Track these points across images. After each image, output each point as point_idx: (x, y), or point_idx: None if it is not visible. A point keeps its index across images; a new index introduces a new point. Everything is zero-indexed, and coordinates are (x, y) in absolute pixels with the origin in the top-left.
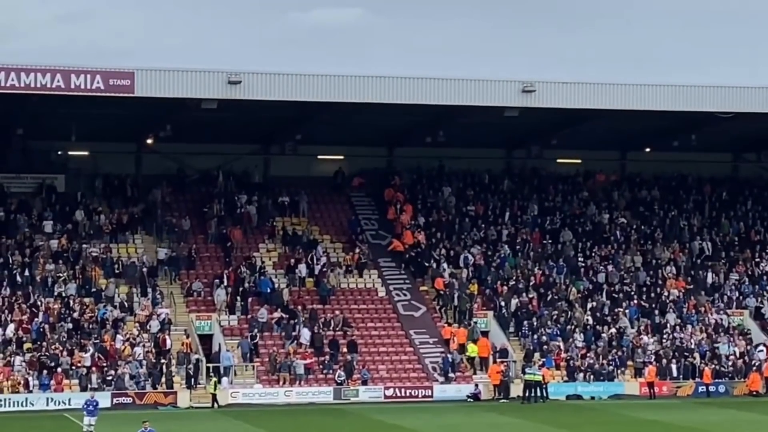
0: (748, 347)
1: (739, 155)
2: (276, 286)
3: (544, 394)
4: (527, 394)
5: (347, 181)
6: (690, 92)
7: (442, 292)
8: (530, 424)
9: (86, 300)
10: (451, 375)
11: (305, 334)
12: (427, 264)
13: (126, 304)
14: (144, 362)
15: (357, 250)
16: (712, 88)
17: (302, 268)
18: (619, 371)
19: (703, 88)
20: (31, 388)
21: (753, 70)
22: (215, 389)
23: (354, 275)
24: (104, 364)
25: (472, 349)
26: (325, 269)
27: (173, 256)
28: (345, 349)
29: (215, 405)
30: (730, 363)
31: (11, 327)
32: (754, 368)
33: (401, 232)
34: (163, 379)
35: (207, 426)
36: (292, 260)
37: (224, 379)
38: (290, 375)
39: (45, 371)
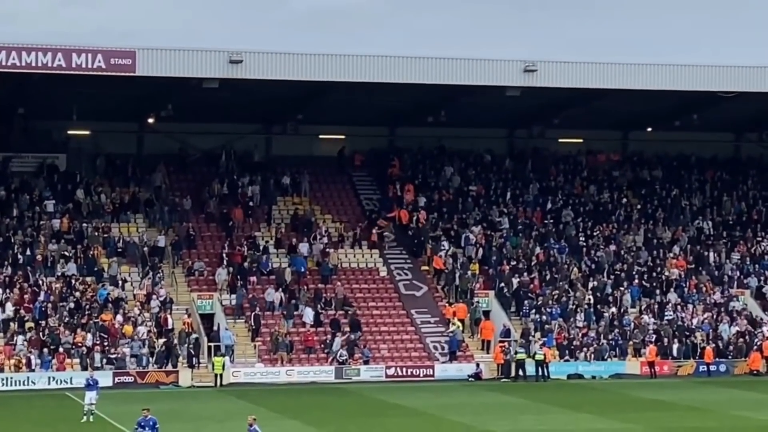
0: (749, 327)
1: (740, 135)
2: (277, 265)
3: (545, 373)
4: (517, 373)
5: (350, 160)
6: (692, 72)
7: (442, 272)
8: (531, 404)
9: (88, 279)
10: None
11: (308, 314)
12: (428, 244)
13: (127, 283)
14: (146, 341)
15: (376, 230)
16: (714, 67)
17: (304, 248)
18: (620, 351)
19: (705, 67)
20: (33, 367)
21: (755, 49)
22: (223, 368)
23: (364, 254)
24: (106, 344)
25: (454, 323)
26: (327, 249)
27: (175, 242)
28: (347, 329)
29: (218, 384)
30: (731, 342)
31: (13, 306)
32: (755, 347)
33: (397, 211)
34: (171, 359)
35: (209, 405)
36: (294, 239)
37: (225, 359)
38: (291, 354)
39: (46, 350)
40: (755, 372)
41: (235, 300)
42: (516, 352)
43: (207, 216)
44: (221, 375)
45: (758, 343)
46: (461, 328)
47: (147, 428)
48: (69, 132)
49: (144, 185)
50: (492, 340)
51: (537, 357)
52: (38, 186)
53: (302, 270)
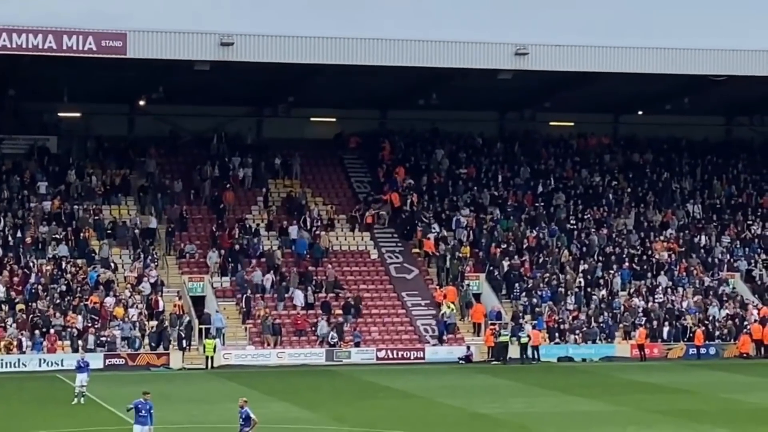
0: (738, 310)
1: (731, 118)
2: (268, 248)
3: (531, 356)
4: (498, 356)
5: (345, 142)
6: (683, 55)
7: (432, 254)
8: (522, 386)
9: (79, 261)
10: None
11: (298, 296)
12: (419, 227)
13: (118, 265)
14: (137, 324)
15: (371, 211)
16: (704, 51)
17: (294, 230)
18: (610, 334)
19: (695, 51)
20: (24, 349)
21: (746, 33)
22: (214, 351)
23: (355, 237)
24: (97, 326)
25: (447, 306)
26: (318, 231)
27: (170, 229)
28: (338, 311)
29: (209, 366)
30: (720, 326)
31: (3, 288)
32: (745, 331)
33: (389, 194)
34: (162, 341)
35: (200, 387)
36: (285, 222)
37: (216, 341)
38: (282, 336)
39: (37, 332)
40: (745, 355)
41: (228, 283)
42: (499, 335)
43: (198, 199)
44: (212, 357)
45: (748, 327)
46: (454, 311)
47: (143, 411)
48: (60, 114)
49: (135, 168)
50: (482, 323)
51: (522, 340)
52: (29, 168)
53: (303, 252)
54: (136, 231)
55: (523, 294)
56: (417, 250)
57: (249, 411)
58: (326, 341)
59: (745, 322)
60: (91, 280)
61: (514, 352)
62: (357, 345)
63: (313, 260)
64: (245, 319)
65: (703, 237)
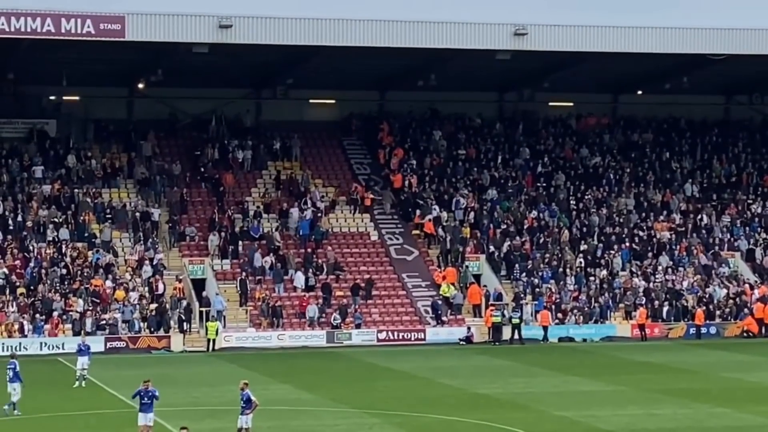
0: (739, 289)
1: (731, 97)
2: (268, 230)
3: (545, 337)
4: (497, 336)
5: (347, 125)
6: (681, 34)
7: (432, 236)
8: (522, 366)
9: (79, 245)
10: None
11: (299, 278)
12: (418, 208)
13: (119, 249)
14: (137, 306)
15: (369, 194)
16: (703, 30)
17: (295, 212)
18: (610, 313)
19: (694, 30)
20: (25, 333)
21: (745, 12)
22: (216, 333)
23: (355, 218)
24: (97, 309)
25: (446, 289)
26: (319, 213)
27: (169, 212)
28: (339, 293)
29: (211, 349)
30: (721, 305)
31: (4, 272)
32: (746, 310)
33: (392, 176)
34: (163, 324)
35: (201, 369)
36: (285, 204)
37: (218, 324)
38: (282, 318)
39: (38, 316)
40: (752, 335)
41: (228, 265)
42: (492, 315)
43: (197, 181)
44: (214, 340)
45: (751, 306)
46: (457, 291)
47: (146, 398)
48: (59, 97)
49: (135, 151)
50: (481, 304)
51: (513, 321)
52: (28, 152)
53: (306, 234)
54: (137, 214)
55: (524, 275)
56: (417, 232)
57: (249, 393)
58: (315, 323)
59: (747, 302)
60: (92, 262)
61: (508, 332)
62: (358, 327)
63: (315, 242)
64: (243, 302)
65: (704, 216)
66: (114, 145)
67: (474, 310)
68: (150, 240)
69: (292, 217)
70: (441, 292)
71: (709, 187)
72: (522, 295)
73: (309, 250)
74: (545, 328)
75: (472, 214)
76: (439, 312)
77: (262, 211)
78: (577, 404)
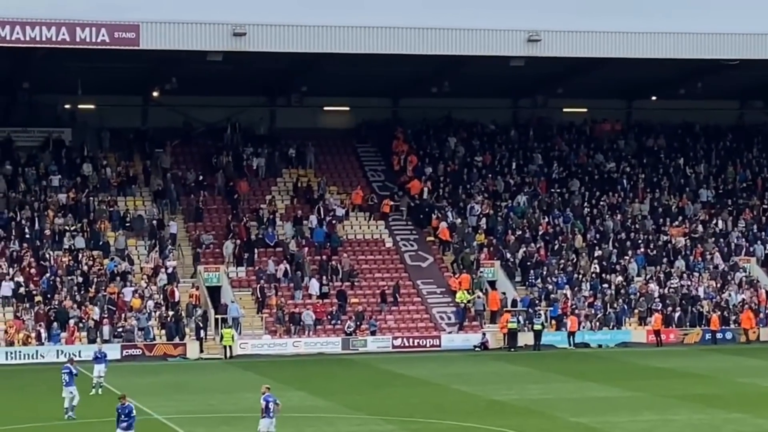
0: (754, 296)
1: (745, 102)
2: (283, 237)
3: (571, 342)
4: (512, 343)
5: (361, 134)
6: (695, 39)
7: (447, 242)
8: (538, 373)
9: (95, 253)
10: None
11: (314, 285)
12: (433, 215)
13: (134, 257)
14: (153, 314)
15: (388, 201)
16: (717, 35)
17: (313, 219)
18: (625, 319)
19: (708, 35)
20: (42, 341)
21: (759, 17)
22: (233, 341)
23: (370, 225)
24: (114, 317)
25: (461, 296)
26: (334, 221)
27: (185, 220)
28: (354, 300)
29: (228, 356)
30: (737, 310)
31: (21, 280)
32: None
33: (408, 182)
34: (178, 332)
35: (217, 377)
36: (300, 212)
37: (233, 331)
38: (299, 326)
39: (55, 324)
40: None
41: (244, 273)
42: (508, 322)
43: (212, 189)
44: (231, 347)
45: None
46: (481, 299)
47: (123, 416)
48: (74, 106)
49: (150, 160)
50: (497, 310)
51: (536, 327)
52: (44, 160)
53: (322, 240)
54: (153, 222)
55: (539, 281)
56: (432, 238)
57: (271, 397)
58: (310, 332)
59: (761, 307)
60: (108, 270)
61: (525, 339)
62: (373, 333)
63: (331, 249)
64: (260, 309)
65: (719, 222)
66: (129, 154)
67: (492, 317)
68: (166, 248)
69: (309, 225)
70: (457, 299)
71: (724, 193)
72: (537, 302)
73: (324, 257)
74: (572, 334)
75: (486, 221)
76: (463, 319)
77: (277, 219)
78: (593, 410)
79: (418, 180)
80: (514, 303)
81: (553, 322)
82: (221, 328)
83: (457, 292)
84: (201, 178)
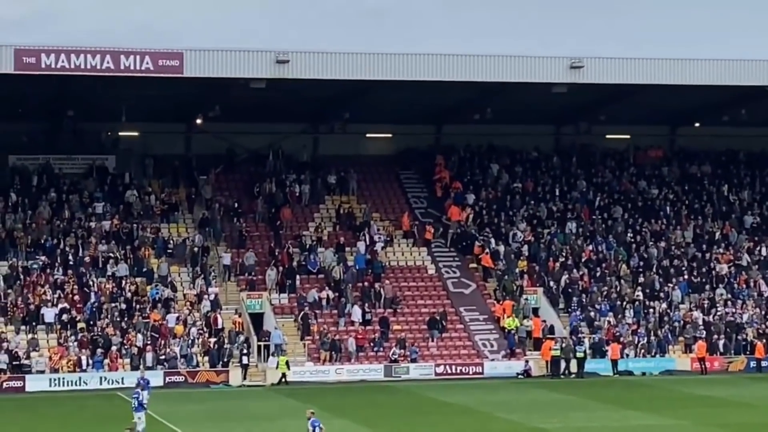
0: None
1: None
2: (327, 264)
3: (615, 371)
4: (555, 370)
5: (405, 161)
6: (739, 66)
7: (490, 269)
8: (580, 401)
9: (138, 280)
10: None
11: (356, 312)
12: (477, 242)
13: (177, 283)
14: (196, 341)
15: (430, 228)
16: (761, 62)
17: (361, 246)
18: (669, 347)
19: (752, 62)
20: (84, 368)
21: None
22: (288, 367)
23: (413, 252)
24: (156, 344)
25: (510, 323)
26: (376, 248)
27: (228, 247)
28: (397, 327)
29: (283, 382)
30: None
31: (65, 306)
32: None
33: (448, 210)
34: (221, 359)
35: (261, 404)
36: (342, 238)
37: (272, 359)
38: (341, 353)
39: (98, 351)
40: None
41: (286, 299)
42: (550, 349)
43: (255, 216)
44: (285, 374)
45: None
46: (531, 327)
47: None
48: (118, 133)
49: (193, 186)
50: (540, 337)
51: (578, 355)
52: (88, 188)
53: (363, 267)
54: (195, 249)
55: (582, 308)
56: (474, 265)
57: (317, 422)
58: (387, 357)
59: None
60: (151, 297)
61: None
62: (414, 361)
63: (374, 276)
64: (303, 336)
65: (763, 249)
66: (172, 181)
67: (535, 344)
68: (210, 274)
69: (357, 251)
70: (506, 326)
71: None
72: (580, 329)
73: (366, 284)
74: (615, 362)
75: (529, 247)
76: (513, 345)
77: (319, 246)
78: None
79: (461, 207)
80: (552, 330)
81: (608, 349)
82: (277, 356)
83: (506, 319)
84: (244, 204)
